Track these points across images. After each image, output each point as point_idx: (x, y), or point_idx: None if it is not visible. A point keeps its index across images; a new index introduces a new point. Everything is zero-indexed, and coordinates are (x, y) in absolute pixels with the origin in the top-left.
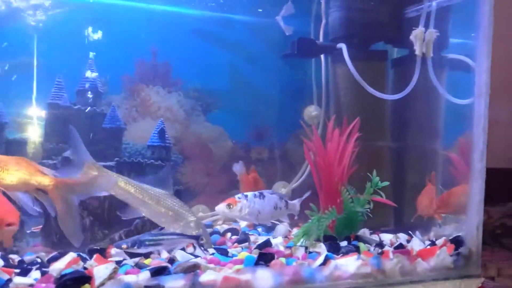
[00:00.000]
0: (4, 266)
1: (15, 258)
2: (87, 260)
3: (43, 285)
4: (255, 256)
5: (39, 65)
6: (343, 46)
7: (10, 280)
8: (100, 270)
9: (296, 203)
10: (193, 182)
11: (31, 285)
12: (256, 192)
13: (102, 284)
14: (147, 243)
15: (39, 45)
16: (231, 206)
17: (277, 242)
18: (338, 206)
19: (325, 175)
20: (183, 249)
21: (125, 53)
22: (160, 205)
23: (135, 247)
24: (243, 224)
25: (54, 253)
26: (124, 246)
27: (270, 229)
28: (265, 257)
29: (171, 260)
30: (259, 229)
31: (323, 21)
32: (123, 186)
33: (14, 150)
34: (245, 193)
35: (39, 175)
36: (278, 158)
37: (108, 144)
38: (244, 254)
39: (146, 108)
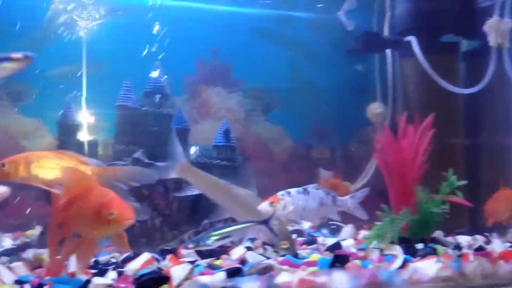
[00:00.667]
0: None
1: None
2: (161, 260)
3: (122, 285)
4: (329, 258)
5: (107, 68)
6: (412, 39)
7: (89, 280)
8: (177, 270)
9: (347, 199)
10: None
11: (110, 285)
12: (300, 188)
13: (180, 285)
14: (213, 238)
15: (106, 49)
16: (274, 204)
17: (348, 244)
18: (412, 206)
19: (398, 174)
20: (250, 248)
21: (186, 54)
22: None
23: (202, 245)
24: (306, 225)
25: (128, 254)
26: (191, 246)
27: (334, 230)
28: (340, 259)
29: (242, 261)
30: (324, 231)
31: (388, 14)
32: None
33: (85, 151)
34: (288, 190)
35: (82, 167)
36: (340, 157)
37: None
38: (316, 256)
39: (207, 109)
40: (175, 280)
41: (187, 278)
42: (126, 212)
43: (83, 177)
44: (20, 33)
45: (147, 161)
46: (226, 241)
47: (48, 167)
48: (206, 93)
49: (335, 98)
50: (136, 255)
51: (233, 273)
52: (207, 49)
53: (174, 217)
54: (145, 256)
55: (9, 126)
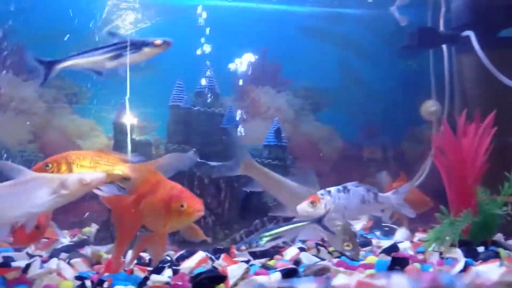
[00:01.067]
0: (136, 263)
1: (146, 256)
2: (215, 259)
3: (179, 283)
4: (386, 260)
5: (159, 69)
6: (471, 34)
7: (147, 278)
8: (233, 270)
9: (389, 195)
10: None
11: (167, 283)
12: (340, 187)
13: (236, 284)
14: (266, 239)
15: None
16: (314, 204)
17: (405, 246)
18: (473, 208)
19: (457, 175)
20: (303, 249)
21: (235, 54)
22: None
23: (254, 246)
24: (358, 226)
25: (182, 252)
26: (243, 247)
27: (388, 232)
28: (399, 262)
29: (296, 262)
30: (377, 233)
31: (443, 9)
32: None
33: (140, 151)
34: (328, 189)
35: (121, 165)
36: (392, 157)
37: (227, 144)
38: (372, 259)
39: (256, 108)
40: (231, 280)
41: (243, 277)
42: (196, 203)
43: (151, 173)
44: (76, 35)
45: (199, 160)
46: (278, 242)
47: (89, 166)
48: (255, 92)
49: (387, 96)
50: (190, 254)
51: (289, 273)
52: (257, 48)
53: (226, 216)
54: (199, 255)
55: (66, 127)
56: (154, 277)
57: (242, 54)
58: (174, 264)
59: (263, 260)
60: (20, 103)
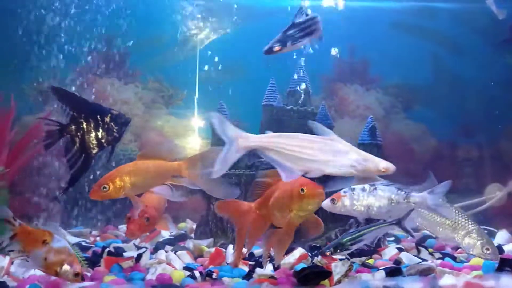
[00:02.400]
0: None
1: (244, 250)
2: (314, 256)
3: (283, 277)
4: (493, 262)
5: (251, 69)
6: None
7: (251, 271)
8: (337, 266)
9: (425, 195)
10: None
11: (272, 277)
12: (367, 185)
13: (339, 281)
14: (348, 243)
15: (248, 50)
16: (335, 202)
17: (509, 249)
18: None
19: None
20: (402, 249)
21: (323, 52)
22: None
23: (339, 251)
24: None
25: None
26: (328, 252)
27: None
28: (508, 263)
29: (397, 262)
30: None
31: None
32: None
33: None
34: (353, 186)
35: (168, 165)
36: (490, 157)
37: None
38: (477, 260)
39: (344, 107)
40: (336, 276)
41: (347, 274)
42: (316, 187)
43: (274, 174)
44: (168, 42)
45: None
46: (360, 245)
47: (138, 178)
48: (343, 91)
49: (483, 93)
50: (289, 250)
51: (393, 272)
52: (344, 46)
53: (320, 213)
54: (299, 251)
55: (162, 127)
56: (258, 271)
57: (330, 52)
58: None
59: (363, 259)
60: (122, 104)
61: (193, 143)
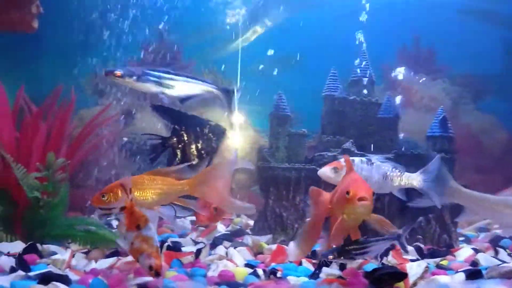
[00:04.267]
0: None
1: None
2: (384, 256)
3: (352, 277)
4: None
5: (310, 58)
6: None
7: (317, 270)
8: (413, 267)
9: (416, 176)
10: (461, 179)
11: (340, 277)
12: (364, 158)
13: (415, 283)
14: (353, 252)
15: (308, 40)
16: (337, 170)
17: None
18: None
19: None
20: (477, 250)
21: (385, 41)
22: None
23: (342, 258)
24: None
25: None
26: (331, 256)
27: None
28: None
29: (473, 263)
30: None
31: None
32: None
33: (296, 142)
34: (352, 158)
35: (177, 184)
36: None
37: (384, 135)
38: None
39: (408, 98)
40: (411, 278)
41: (423, 277)
42: (360, 191)
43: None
44: (219, 33)
45: (357, 152)
46: (364, 257)
47: (146, 189)
48: (407, 80)
49: None
50: None
51: (473, 275)
52: (409, 34)
53: (386, 212)
54: None
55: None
56: (326, 270)
57: (393, 40)
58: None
59: (438, 260)
60: None
61: (247, 135)
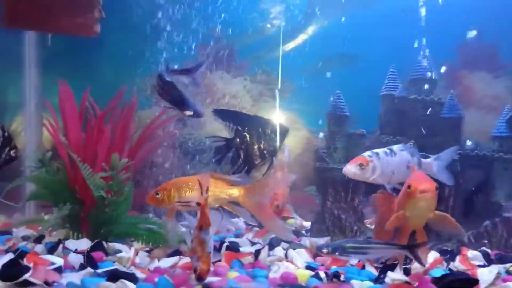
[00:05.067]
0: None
1: None
2: (451, 261)
3: (417, 283)
4: None
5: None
6: None
7: (382, 275)
8: (484, 273)
9: (431, 161)
10: None
11: (407, 282)
12: (386, 149)
13: None
14: (350, 250)
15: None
16: (363, 167)
17: None
18: None
19: None
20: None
21: (444, 37)
22: None
23: (337, 253)
24: None
25: None
26: (325, 250)
27: None
28: None
29: None
30: None
31: None
32: None
33: (354, 143)
34: (376, 150)
35: (228, 189)
36: None
37: (447, 135)
38: None
39: (470, 96)
40: (482, 285)
41: (494, 283)
42: (421, 185)
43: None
44: (272, 33)
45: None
46: (362, 258)
47: (195, 190)
48: (468, 79)
49: None
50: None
51: None
52: (471, 29)
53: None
54: (433, 255)
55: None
56: (391, 275)
57: (452, 36)
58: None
59: (508, 266)
60: (231, 98)
61: (300, 135)
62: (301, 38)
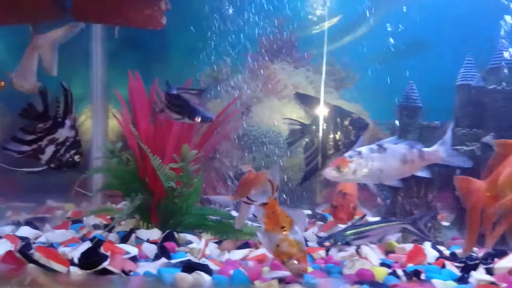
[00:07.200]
0: (440, 257)
1: (443, 249)
2: None
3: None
4: None
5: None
6: None
7: (465, 274)
8: None
9: (437, 148)
10: None
11: (493, 283)
12: (374, 145)
13: None
14: (351, 237)
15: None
16: (341, 169)
17: None
18: None
19: None
20: None
21: None
22: None
23: (339, 243)
24: None
25: (488, 250)
26: (327, 243)
27: None
28: None
29: None
30: None
31: None
32: None
33: (427, 135)
34: (359, 149)
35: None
36: None
37: None
38: None
39: None
40: None
41: None
42: None
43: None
44: (336, 23)
45: None
46: (365, 241)
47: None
48: None
49: None
50: (498, 252)
51: None
52: None
53: None
54: None
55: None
56: (476, 275)
57: None
58: (483, 262)
59: None
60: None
61: None
62: (365, 27)
